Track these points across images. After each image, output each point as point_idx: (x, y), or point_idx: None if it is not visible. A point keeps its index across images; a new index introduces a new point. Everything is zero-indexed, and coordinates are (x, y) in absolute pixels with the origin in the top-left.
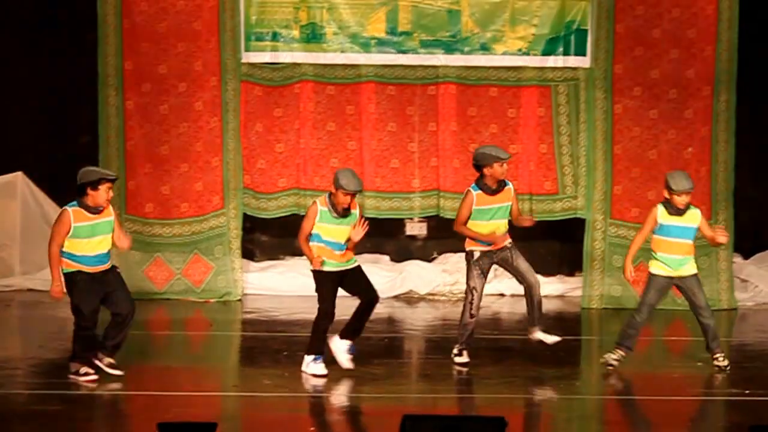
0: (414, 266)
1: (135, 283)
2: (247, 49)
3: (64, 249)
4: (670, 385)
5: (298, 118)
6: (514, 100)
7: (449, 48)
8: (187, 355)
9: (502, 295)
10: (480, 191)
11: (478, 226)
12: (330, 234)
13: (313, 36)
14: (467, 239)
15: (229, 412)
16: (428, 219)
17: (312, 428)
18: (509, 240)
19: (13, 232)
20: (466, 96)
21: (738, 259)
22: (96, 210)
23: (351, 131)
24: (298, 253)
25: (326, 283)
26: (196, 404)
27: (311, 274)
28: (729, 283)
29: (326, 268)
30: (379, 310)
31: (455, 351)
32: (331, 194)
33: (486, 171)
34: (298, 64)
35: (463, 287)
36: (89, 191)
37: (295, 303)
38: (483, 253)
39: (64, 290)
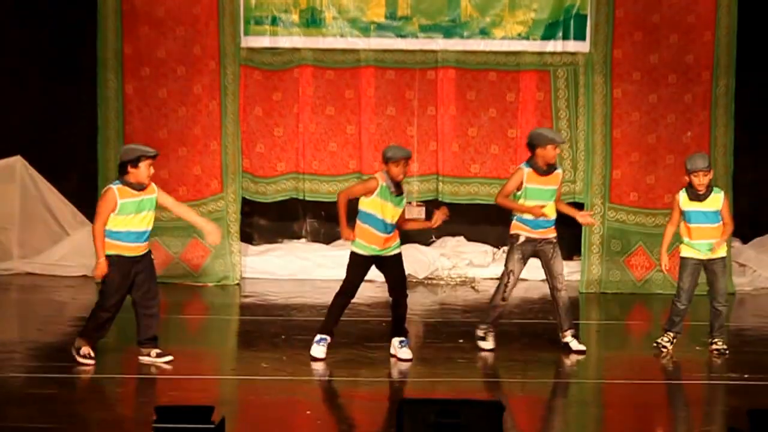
0: (412, 250)
1: None
2: (246, 34)
3: (109, 228)
4: (668, 369)
5: (297, 102)
6: (513, 84)
7: (448, 33)
8: (185, 338)
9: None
10: (531, 169)
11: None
12: (384, 211)
13: (312, 20)
14: (513, 222)
15: (227, 395)
16: (427, 203)
17: (309, 411)
18: (555, 234)
19: (12, 216)
20: (465, 80)
21: (736, 244)
22: (140, 187)
23: (350, 116)
24: (296, 236)
25: (357, 265)
26: (193, 388)
27: (310, 258)
28: (727, 267)
29: (361, 252)
30: (377, 294)
31: (479, 333)
32: (386, 171)
33: (539, 151)
34: (298, 49)
35: (462, 271)
36: (130, 169)
37: (293, 287)
38: (528, 239)
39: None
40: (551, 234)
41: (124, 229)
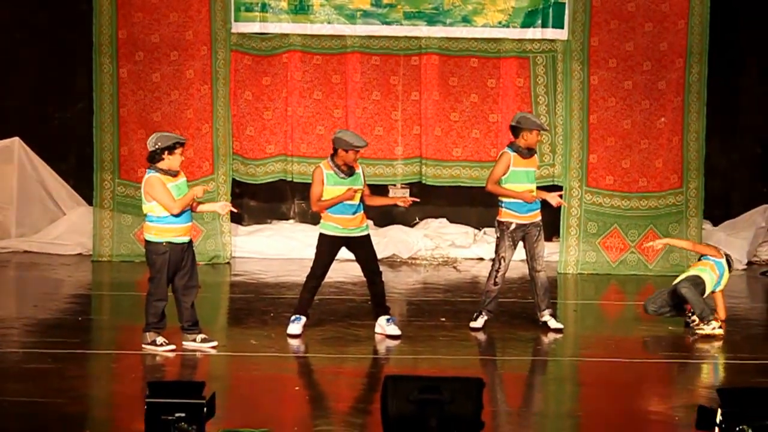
0: (396, 231)
1: (126, 245)
2: (236, 20)
3: (157, 215)
4: (642, 348)
5: (286, 86)
6: (494, 70)
7: (432, 20)
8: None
9: (481, 259)
10: (515, 153)
11: (513, 188)
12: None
13: (300, 7)
14: (503, 210)
15: (217, 371)
16: (410, 185)
17: (297, 387)
18: (540, 218)
19: (10, 196)
20: (448, 66)
21: (707, 226)
22: (173, 173)
23: (337, 100)
24: (284, 217)
25: (324, 245)
26: (185, 364)
27: (298, 238)
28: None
29: (328, 232)
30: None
31: (474, 316)
32: (332, 156)
33: (525, 134)
34: (286, 35)
35: (444, 252)
36: (165, 156)
37: (281, 266)
38: (518, 226)
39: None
40: (538, 217)
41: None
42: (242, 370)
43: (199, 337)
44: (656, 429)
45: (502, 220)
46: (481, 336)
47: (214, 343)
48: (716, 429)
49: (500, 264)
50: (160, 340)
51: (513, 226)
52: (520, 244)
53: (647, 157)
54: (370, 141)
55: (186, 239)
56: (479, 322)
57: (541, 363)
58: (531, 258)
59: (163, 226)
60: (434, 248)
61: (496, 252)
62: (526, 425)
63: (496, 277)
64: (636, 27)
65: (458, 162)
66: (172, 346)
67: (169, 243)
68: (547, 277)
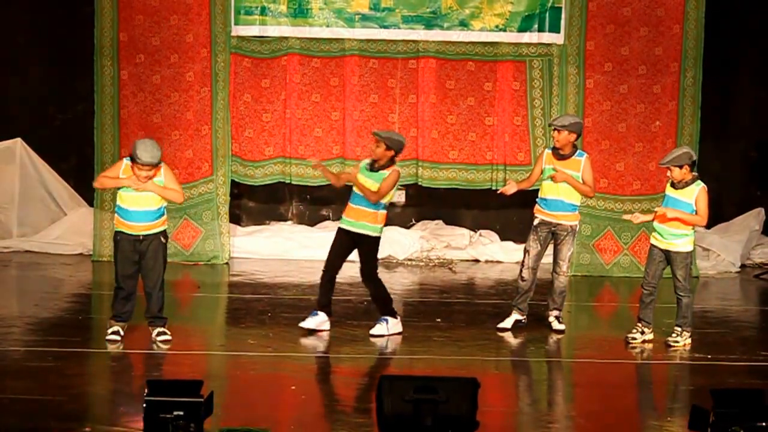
0: (393, 232)
1: None
2: (236, 23)
3: (118, 205)
4: (635, 350)
5: (285, 89)
6: (490, 74)
7: (429, 24)
8: (176, 315)
9: (476, 261)
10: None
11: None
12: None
13: (299, 11)
14: (535, 207)
15: (215, 370)
16: (407, 187)
17: (293, 387)
18: (572, 223)
19: (12, 196)
20: (445, 70)
21: (701, 229)
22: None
23: (335, 102)
24: (283, 218)
25: (335, 236)
26: (183, 362)
27: (296, 239)
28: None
29: (340, 224)
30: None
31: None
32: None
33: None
34: (285, 38)
35: (439, 253)
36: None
37: (279, 266)
38: (542, 222)
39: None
40: (566, 221)
41: (128, 207)
42: (240, 370)
43: (156, 330)
44: (650, 429)
45: (534, 214)
46: (476, 336)
47: (168, 338)
48: (709, 430)
49: (524, 257)
50: (112, 329)
51: (537, 221)
52: (512, 245)
53: (641, 161)
54: (367, 143)
55: (137, 233)
56: (506, 323)
57: (535, 364)
58: (554, 260)
59: (117, 218)
60: (430, 250)
61: (524, 246)
62: (521, 425)
63: (522, 271)
64: (631, 31)
65: (454, 164)
66: (115, 337)
67: (121, 233)
68: (567, 281)
